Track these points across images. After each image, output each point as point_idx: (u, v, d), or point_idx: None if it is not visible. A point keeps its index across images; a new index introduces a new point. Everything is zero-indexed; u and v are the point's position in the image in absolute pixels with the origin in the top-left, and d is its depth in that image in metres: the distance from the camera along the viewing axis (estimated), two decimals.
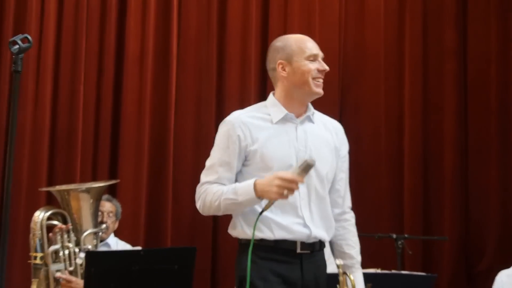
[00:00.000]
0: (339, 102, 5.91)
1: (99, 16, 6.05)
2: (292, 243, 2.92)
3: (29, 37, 2.86)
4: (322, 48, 3.09)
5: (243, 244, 2.96)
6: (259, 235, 2.90)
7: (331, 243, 3.15)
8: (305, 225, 2.94)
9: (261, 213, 2.81)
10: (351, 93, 5.99)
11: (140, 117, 5.93)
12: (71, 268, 3.88)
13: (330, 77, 5.80)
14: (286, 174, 2.75)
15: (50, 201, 5.40)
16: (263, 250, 2.86)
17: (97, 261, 3.42)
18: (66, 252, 3.88)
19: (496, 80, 5.78)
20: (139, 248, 4.91)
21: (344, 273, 2.98)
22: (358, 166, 3.21)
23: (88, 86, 5.95)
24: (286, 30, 5.89)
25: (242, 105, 3.16)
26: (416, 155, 5.80)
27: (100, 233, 4.21)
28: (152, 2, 6.03)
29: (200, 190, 3.01)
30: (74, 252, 3.91)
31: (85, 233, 3.98)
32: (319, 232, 2.98)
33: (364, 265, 3.19)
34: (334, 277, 2.99)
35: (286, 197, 2.76)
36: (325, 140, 3.08)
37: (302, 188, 2.90)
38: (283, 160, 2.90)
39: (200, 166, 5.63)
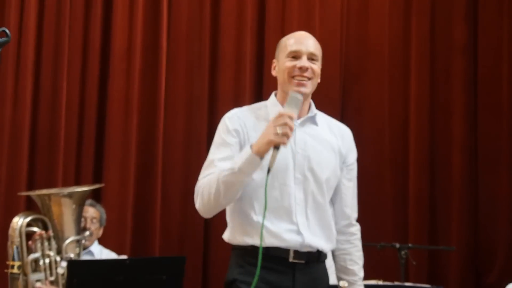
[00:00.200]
0: (340, 102, 5.92)
1: (83, 9, 6.06)
2: (285, 251, 2.92)
3: (7, 31, 2.86)
4: (322, 44, 3.09)
5: (234, 249, 3.00)
6: (249, 241, 2.91)
7: (332, 256, 3.15)
8: (298, 232, 2.93)
9: (268, 172, 2.74)
10: (353, 92, 6.01)
11: (127, 117, 5.94)
12: (52, 278, 3.90)
13: (330, 76, 5.89)
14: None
15: (29, 206, 5.40)
16: (255, 257, 2.86)
17: (79, 271, 3.42)
18: (47, 260, 3.90)
19: (508, 79, 5.79)
20: (125, 257, 4.92)
21: None
22: (360, 170, 3.20)
23: (71, 84, 5.95)
24: (284, 24, 5.91)
25: (236, 106, 3.16)
26: (422, 158, 5.81)
27: (83, 241, 4.23)
28: None
29: (198, 186, 2.97)
30: (55, 261, 3.93)
31: (67, 241, 3.99)
32: (316, 240, 2.96)
33: (365, 276, 3.18)
34: None
35: (282, 137, 2.73)
36: (328, 143, 3.07)
37: (298, 193, 2.92)
38: (279, 162, 2.90)
39: (191, 170, 5.71)
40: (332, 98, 5.79)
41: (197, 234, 5.81)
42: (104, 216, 4.92)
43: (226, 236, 3.05)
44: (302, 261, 2.94)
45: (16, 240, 3.85)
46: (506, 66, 5.81)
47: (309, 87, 2.98)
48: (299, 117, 3.02)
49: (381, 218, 5.74)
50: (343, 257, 3.11)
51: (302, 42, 3.02)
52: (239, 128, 2.98)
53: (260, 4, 6.08)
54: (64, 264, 3.85)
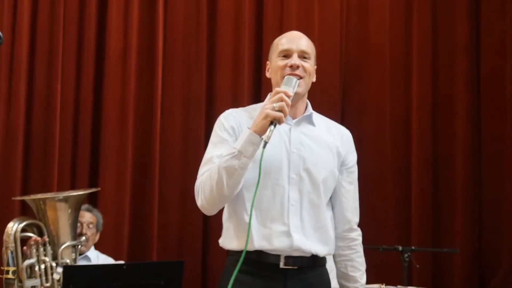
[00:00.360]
0: (340, 102, 5.92)
1: (78, 9, 6.05)
2: (276, 256, 2.90)
3: (0, 32, 2.87)
4: (322, 43, 3.12)
5: (228, 255, 3.02)
6: (240, 246, 2.88)
7: (334, 261, 3.14)
8: (288, 234, 2.91)
9: (265, 145, 2.74)
10: (353, 93, 6.01)
11: (123, 119, 5.94)
12: (48, 284, 3.90)
13: (330, 76, 5.89)
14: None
15: (24, 211, 5.40)
16: (248, 264, 2.85)
17: (76, 277, 3.41)
18: (42, 266, 3.89)
19: None
20: (122, 262, 4.92)
21: None
22: (361, 172, 3.20)
23: (66, 85, 5.95)
24: (283, 23, 5.91)
25: (234, 106, 3.17)
26: (425, 160, 5.82)
27: (79, 246, 4.22)
28: None
29: (197, 184, 2.95)
30: (51, 267, 3.92)
31: (63, 246, 3.99)
32: (307, 244, 2.93)
33: (367, 280, 3.18)
34: None
35: (279, 113, 2.74)
36: (326, 143, 3.07)
37: (292, 193, 2.92)
38: (273, 161, 2.90)
39: (188, 172, 5.71)
40: (332, 98, 5.79)
41: (196, 238, 5.81)
42: (101, 221, 4.92)
43: (221, 240, 3.06)
44: (295, 267, 2.91)
45: (11, 245, 3.85)
46: (509, 65, 5.81)
47: (302, 86, 2.98)
48: (294, 117, 3.04)
49: (383, 220, 5.75)
50: (344, 263, 3.09)
51: (293, 41, 3.04)
52: (235, 126, 2.99)
53: (258, 2, 6.08)
54: (60, 270, 3.85)
